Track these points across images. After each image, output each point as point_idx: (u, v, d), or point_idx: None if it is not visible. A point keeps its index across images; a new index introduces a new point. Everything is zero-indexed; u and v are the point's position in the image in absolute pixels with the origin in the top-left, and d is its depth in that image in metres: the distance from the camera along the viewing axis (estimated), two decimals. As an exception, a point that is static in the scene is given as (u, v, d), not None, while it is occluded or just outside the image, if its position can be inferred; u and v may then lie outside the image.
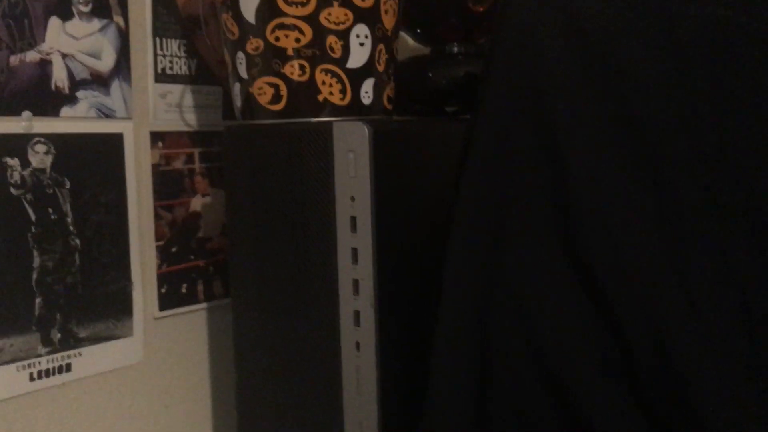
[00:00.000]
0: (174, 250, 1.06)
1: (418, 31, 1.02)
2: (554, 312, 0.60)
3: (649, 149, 0.56)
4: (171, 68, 1.04)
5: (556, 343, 0.59)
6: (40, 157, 0.89)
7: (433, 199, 0.84)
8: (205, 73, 1.08)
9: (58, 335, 0.92)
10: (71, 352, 0.93)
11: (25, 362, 0.89)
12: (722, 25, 0.54)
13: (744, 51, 0.53)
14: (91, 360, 0.96)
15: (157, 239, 1.04)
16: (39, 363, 0.90)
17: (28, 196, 0.88)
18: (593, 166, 0.58)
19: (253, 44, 0.83)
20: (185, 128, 1.07)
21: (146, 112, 1.01)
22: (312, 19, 0.80)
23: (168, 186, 1.05)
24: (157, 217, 1.04)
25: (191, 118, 1.07)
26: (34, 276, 0.89)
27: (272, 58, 0.82)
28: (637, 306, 0.55)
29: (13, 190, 0.87)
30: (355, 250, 0.77)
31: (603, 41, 0.58)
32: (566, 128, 0.59)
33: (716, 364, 0.52)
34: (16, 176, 0.87)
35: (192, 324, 1.10)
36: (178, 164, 1.06)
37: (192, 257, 1.09)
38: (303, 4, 0.80)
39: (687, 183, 0.54)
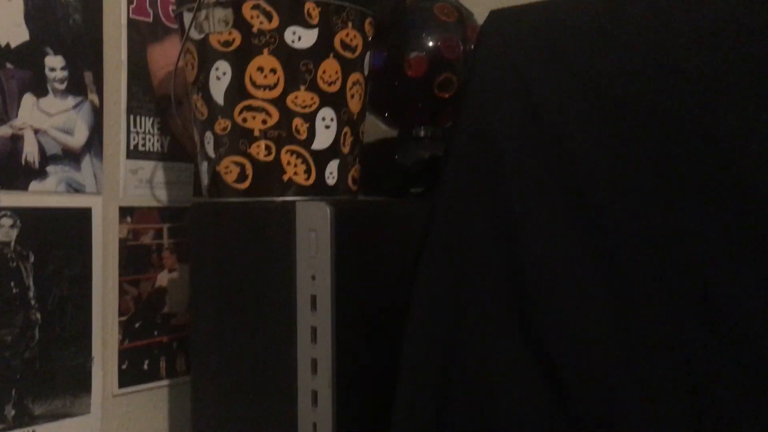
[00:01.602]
0: (137, 325, 1.05)
1: (386, 114, 1.05)
2: (509, 391, 0.61)
3: (601, 231, 0.58)
4: (143, 145, 1.06)
5: (511, 422, 0.60)
6: (5, 230, 0.89)
7: (395, 279, 0.85)
8: (177, 150, 1.10)
9: (12, 412, 0.90)
10: (25, 429, 0.91)
11: (-24, 440, 0.87)
12: (660, 112, 0.56)
13: (683, 133, 0.55)
14: (46, 438, 0.93)
15: (121, 314, 1.03)
16: (-10, 440, 0.88)
17: (-9, 269, 0.88)
18: (547, 247, 0.60)
19: (221, 124, 0.85)
20: (155, 204, 1.08)
21: (116, 187, 1.03)
22: (279, 102, 0.83)
23: (135, 261, 1.05)
24: (123, 291, 1.03)
25: (162, 194, 1.08)
26: (-9, 350, 0.88)
27: (239, 139, 0.84)
28: (587, 383, 0.57)
29: (-25, 263, 0.87)
30: (314, 329, 0.77)
31: (556, 126, 0.61)
32: (521, 210, 0.61)
33: None
34: (-20, 249, 0.87)
35: (152, 401, 1.08)
36: (147, 239, 1.06)
37: (156, 333, 1.08)
38: (271, 88, 0.82)
39: (637, 263, 0.56)
